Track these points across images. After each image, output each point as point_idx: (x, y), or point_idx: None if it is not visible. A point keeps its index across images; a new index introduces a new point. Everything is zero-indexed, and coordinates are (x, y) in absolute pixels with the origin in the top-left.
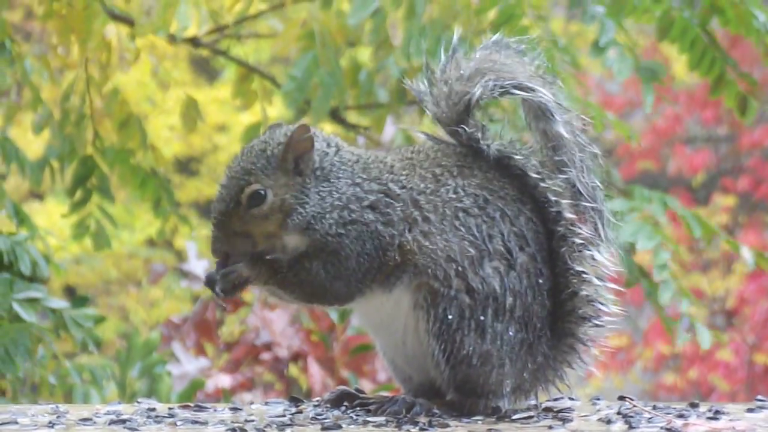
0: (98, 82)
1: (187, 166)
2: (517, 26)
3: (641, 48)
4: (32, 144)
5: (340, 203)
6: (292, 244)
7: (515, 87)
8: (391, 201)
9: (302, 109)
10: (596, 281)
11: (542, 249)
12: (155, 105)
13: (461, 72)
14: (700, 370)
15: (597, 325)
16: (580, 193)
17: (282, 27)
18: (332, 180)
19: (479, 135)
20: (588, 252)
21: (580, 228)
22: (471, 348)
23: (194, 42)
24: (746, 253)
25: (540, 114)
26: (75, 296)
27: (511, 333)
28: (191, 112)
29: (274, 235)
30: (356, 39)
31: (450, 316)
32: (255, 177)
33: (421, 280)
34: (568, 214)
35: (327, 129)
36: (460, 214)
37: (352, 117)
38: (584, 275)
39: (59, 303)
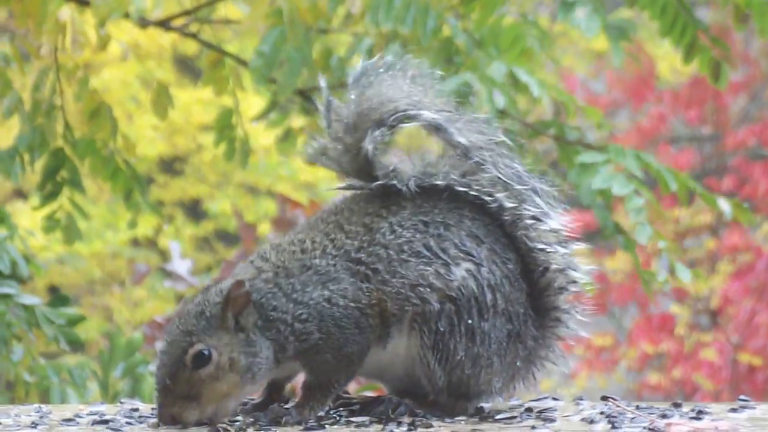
0: (69, 72)
1: (171, 166)
2: (487, 1)
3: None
4: (2, 136)
5: (297, 324)
6: (287, 369)
7: (400, 120)
8: (333, 277)
9: (270, 86)
10: (561, 250)
11: (498, 239)
12: (139, 104)
13: (345, 121)
14: (684, 369)
15: (575, 291)
16: (507, 183)
17: (248, 10)
18: (273, 317)
19: (394, 179)
20: (543, 226)
21: (525, 208)
22: (464, 352)
23: (164, 25)
24: (724, 205)
25: (434, 130)
26: (56, 295)
27: (497, 329)
28: (162, 99)
29: (229, 396)
30: (326, 23)
31: (442, 328)
32: (197, 337)
33: (407, 318)
34: (509, 203)
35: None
36: (405, 247)
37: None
38: (548, 250)
39: (32, 299)
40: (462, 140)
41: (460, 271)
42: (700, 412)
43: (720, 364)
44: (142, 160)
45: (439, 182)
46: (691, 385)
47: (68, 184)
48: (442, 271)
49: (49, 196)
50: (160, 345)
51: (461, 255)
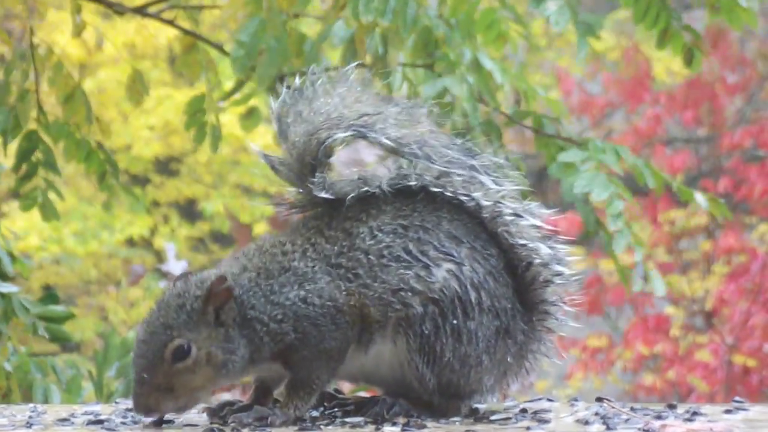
0: (43, 57)
1: (166, 166)
2: None
3: (620, 50)
4: None
5: (273, 323)
6: (265, 367)
7: (326, 154)
8: (311, 278)
9: (248, 75)
10: (543, 246)
11: (478, 237)
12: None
13: (295, 140)
14: (679, 370)
15: (561, 283)
16: (448, 172)
17: None
18: (251, 316)
19: (364, 186)
20: (523, 222)
21: (502, 203)
22: (451, 354)
23: (140, 12)
24: (700, 199)
25: (358, 138)
26: (46, 293)
27: (485, 326)
28: (137, 86)
29: (202, 388)
30: (302, 9)
31: (426, 330)
32: (177, 331)
33: (391, 322)
34: (485, 202)
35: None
36: (385, 252)
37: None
38: (529, 246)
39: (8, 288)
40: (385, 141)
41: (441, 273)
42: (694, 413)
43: (715, 366)
44: (138, 160)
45: (412, 183)
46: (686, 387)
47: (43, 166)
48: (422, 273)
49: (25, 177)
50: (139, 333)
51: (441, 256)
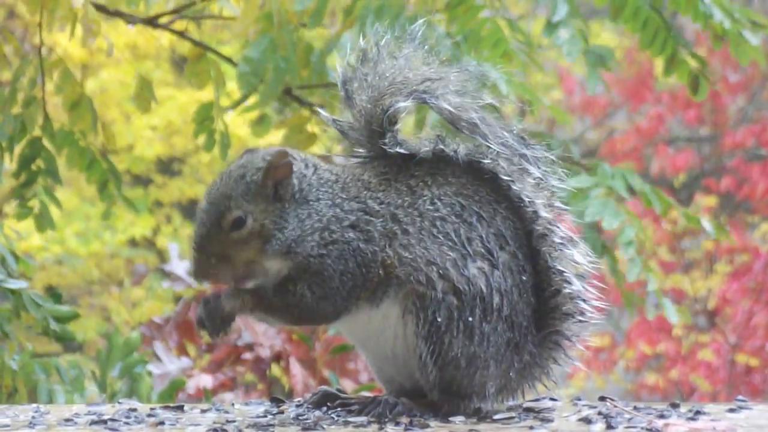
0: (51, 64)
1: (169, 166)
2: (470, 5)
3: (622, 50)
4: None
5: (320, 224)
6: (275, 268)
7: (389, 112)
8: (371, 218)
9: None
10: (577, 280)
11: (522, 246)
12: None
13: (361, 106)
14: (682, 370)
15: (581, 321)
16: (524, 170)
17: (239, 11)
18: (311, 202)
19: (441, 144)
20: (568, 251)
21: (557, 227)
22: (459, 350)
23: (152, 23)
24: (706, 225)
25: (424, 103)
26: (49, 293)
27: (498, 333)
28: (145, 93)
29: (254, 260)
30: (312, 23)
31: (439, 319)
32: (235, 202)
33: (407, 289)
34: (544, 213)
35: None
36: (438, 223)
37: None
38: (565, 274)
39: (18, 284)
40: (445, 107)
41: (474, 268)
42: (697, 412)
43: (717, 365)
44: (141, 160)
45: (486, 161)
46: (689, 386)
47: (44, 174)
48: (459, 261)
49: (24, 185)
50: (200, 203)
51: (482, 252)
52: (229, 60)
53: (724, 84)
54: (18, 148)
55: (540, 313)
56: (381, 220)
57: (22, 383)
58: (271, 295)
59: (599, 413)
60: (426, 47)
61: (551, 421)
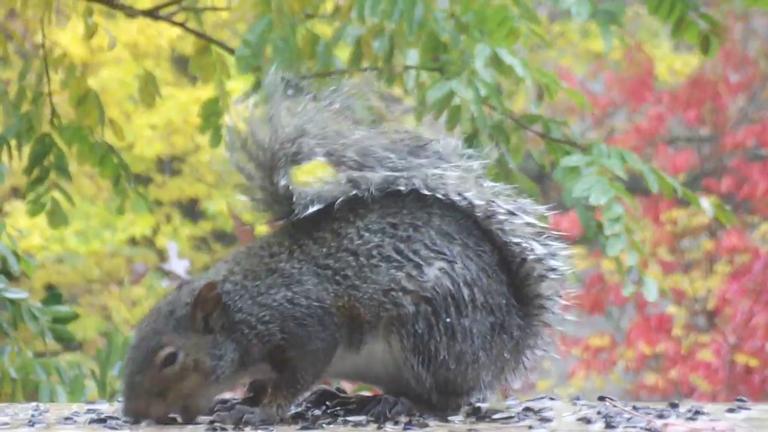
0: (56, 59)
1: (169, 165)
2: None
3: (622, 50)
4: None
5: (260, 325)
6: (257, 370)
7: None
8: (298, 280)
9: (256, 75)
10: (536, 245)
11: (471, 233)
12: (137, 103)
13: (254, 162)
14: (682, 370)
15: (557, 278)
16: (441, 175)
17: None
18: (238, 319)
19: (353, 189)
20: (517, 220)
21: (495, 203)
22: (446, 351)
23: (152, 15)
24: (705, 204)
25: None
26: (49, 293)
27: (479, 323)
28: (149, 88)
29: (193, 395)
30: (314, 10)
31: (419, 330)
32: (166, 338)
33: (380, 323)
34: (478, 201)
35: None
36: (374, 252)
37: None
38: (523, 244)
39: (18, 294)
40: (320, 158)
41: (432, 271)
42: (697, 412)
43: (717, 365)
44: (141, 159)
45: (401, 188)
46: (688, 386)
47: (55, 170)
48: (414, 273)
49: (36, 181)
50: (131, 338)
51: (432, 254)
52: (231, 51)
53: (725, 84)
54: (28, 145)
55: (516, 284)
56: (309, 277)
57: (20, 387)
58: (284, 383)
59: (598, 413)
60: (347, 104)
61: (550, 420)
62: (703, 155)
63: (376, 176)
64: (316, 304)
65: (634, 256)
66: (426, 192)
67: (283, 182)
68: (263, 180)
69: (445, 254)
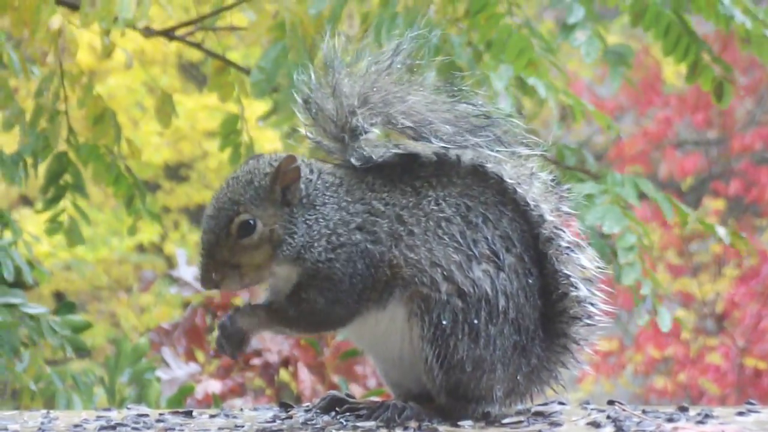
0: (73, 78)
1: (176, 172)
2: (492, 13)
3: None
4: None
5: (327, 230)
6: (284, 273)
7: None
8: (377, 219)
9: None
10: (584, 284)
11: (529, 249)
12: (145, 111)
13: (329, 115)
14: (691, 373)
15: (588, 325)
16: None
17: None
18: (318, 207)
19: (449, 143)
20: (575, 255)
21: (564, 231)
22: (465, 353)
23: (168, 35)
24: (721, 232)
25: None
26: (62, 302)
27: (504, 336)
28: (166, 108)
29: (263, 266)
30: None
31: (444, 321)
32: (243, 207)
33: (412, 291)
34: (550, 217)
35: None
36: (443, 224)
37: None
38: (572, 278)
39: (38, 309)
40: (407, 123)
41: (479, 270)
42: (706, 415)
43: (726, 369)
44: (148, 166)
45: (490, 166)
46: (698, 390)
47: (71, 188)
48: (464, 264)
49: (52, 200)
50: (207, 209)
51: (487, 254)
52: (247, 72)
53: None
54: (44, 164)
55: (547, 316)
56: (386, 221)
57: (40, 399)
58: (285, 307)
59: (608, 417)
60: (408, 63)
61: (560, 425)
62: (711, 158)
63: (431, 148)
64: (376, 250)
65: (647, 286)
66: (509, 181)
67: (360, 152)
68: (341, 152)
69: (498, 259)
